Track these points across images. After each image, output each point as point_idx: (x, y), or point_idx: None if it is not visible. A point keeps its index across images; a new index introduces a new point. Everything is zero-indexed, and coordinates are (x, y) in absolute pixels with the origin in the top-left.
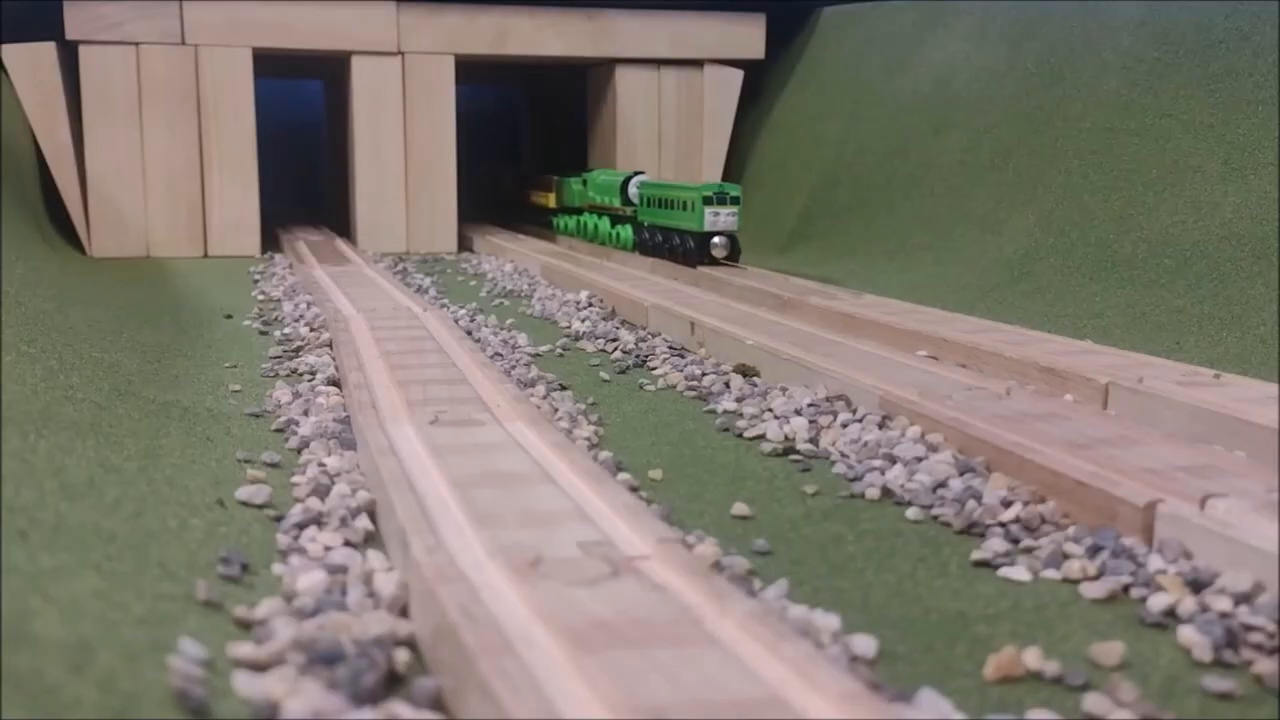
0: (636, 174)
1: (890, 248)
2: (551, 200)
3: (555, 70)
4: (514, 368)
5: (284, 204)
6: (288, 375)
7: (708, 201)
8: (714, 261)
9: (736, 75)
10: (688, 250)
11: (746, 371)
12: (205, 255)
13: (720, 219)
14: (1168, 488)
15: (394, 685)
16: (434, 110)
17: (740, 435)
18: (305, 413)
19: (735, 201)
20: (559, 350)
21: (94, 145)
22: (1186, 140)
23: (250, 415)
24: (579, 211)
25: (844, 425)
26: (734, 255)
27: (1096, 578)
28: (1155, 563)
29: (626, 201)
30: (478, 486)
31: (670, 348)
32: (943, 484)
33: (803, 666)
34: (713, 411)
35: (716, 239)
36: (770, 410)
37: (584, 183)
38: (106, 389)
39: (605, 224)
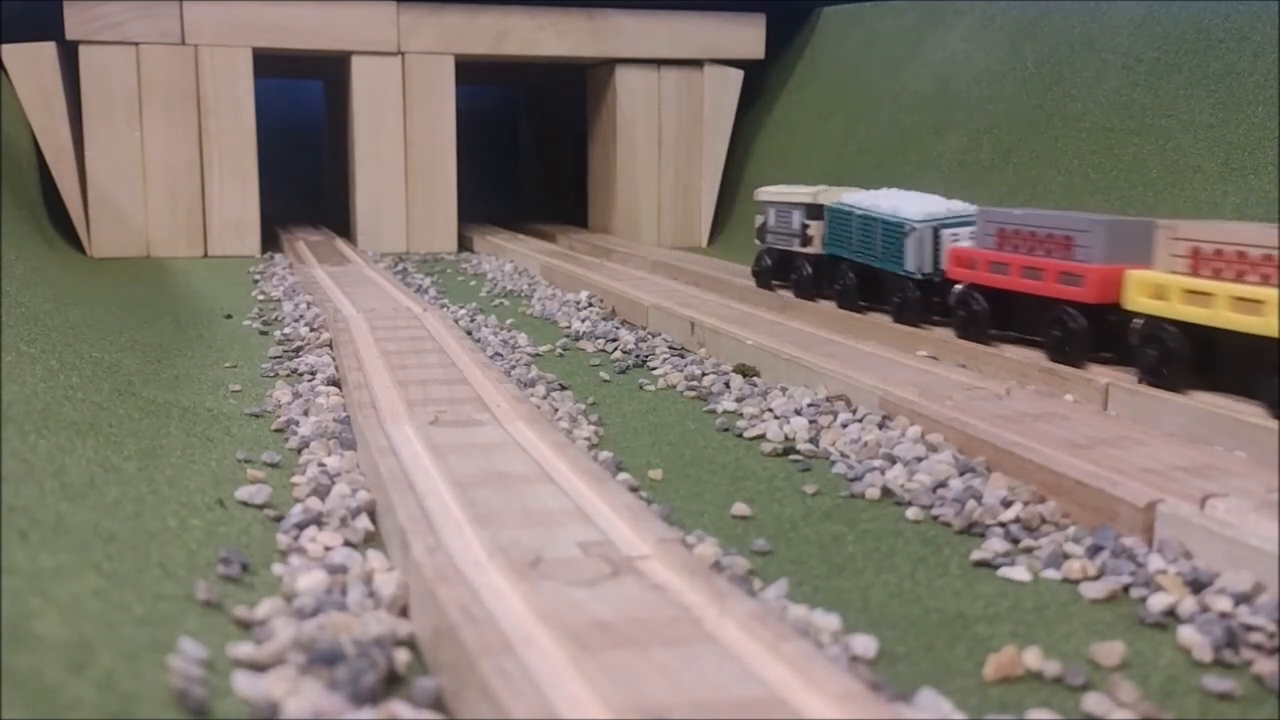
0: None
1: None
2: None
3: (555, 70)
4: (514, 368)
5: (284, 204)
6: (288, 375)
7: None
8: None
9: (736, 75)
10: None
11: (746, 371)
12: (205, 255)
13: None
14: (1168, 488)
15: (394, 685)
16: (434, 110)
17: (740, 435)
18: (305, 413)
19: None
20: (559, 350)
21: (94, 145)
22: (1186, 140)
23: (250, 415)
24: None
25: (844, 425)
26: None
27: (1096, 578)
28: (1155, 563)
29: None
30: (478, 486)
31: (670, 348)
32: (943, 484)
33: (802, 666)
34: (713, 411)
35: None
36: (770, 410)
37: None
38: (106, 389)
39: None
